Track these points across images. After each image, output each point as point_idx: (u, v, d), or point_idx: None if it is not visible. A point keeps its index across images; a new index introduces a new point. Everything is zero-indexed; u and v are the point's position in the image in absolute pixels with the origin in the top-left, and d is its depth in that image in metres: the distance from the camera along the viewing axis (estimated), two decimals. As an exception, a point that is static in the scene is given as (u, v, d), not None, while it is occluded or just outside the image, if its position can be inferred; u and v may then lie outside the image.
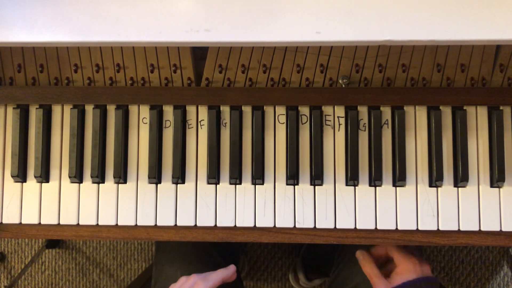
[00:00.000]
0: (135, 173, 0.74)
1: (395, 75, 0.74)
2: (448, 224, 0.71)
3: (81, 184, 0.74)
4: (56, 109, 0.75)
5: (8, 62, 0.75)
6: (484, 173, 0.72)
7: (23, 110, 0.74)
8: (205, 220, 0.73)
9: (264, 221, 0.72)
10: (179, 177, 0.72)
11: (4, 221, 0.74)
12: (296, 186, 0.72)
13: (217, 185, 0.73)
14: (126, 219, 0.73)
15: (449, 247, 1.45)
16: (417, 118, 0.73)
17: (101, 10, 0.58)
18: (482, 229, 0.71)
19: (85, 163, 0.74)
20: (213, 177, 0.72)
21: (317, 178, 0.71)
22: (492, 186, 0.71)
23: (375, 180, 0.71)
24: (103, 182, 0.74)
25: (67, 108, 0.74)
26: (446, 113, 0.72)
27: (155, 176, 0.72)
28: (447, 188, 0.72)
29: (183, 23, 0.58)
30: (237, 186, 0.73)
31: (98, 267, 1.51)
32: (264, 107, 0.74)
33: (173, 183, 0.73)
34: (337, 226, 0.72)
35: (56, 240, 1.48)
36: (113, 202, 0.73)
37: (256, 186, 0.73)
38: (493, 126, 0.71)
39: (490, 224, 0.71)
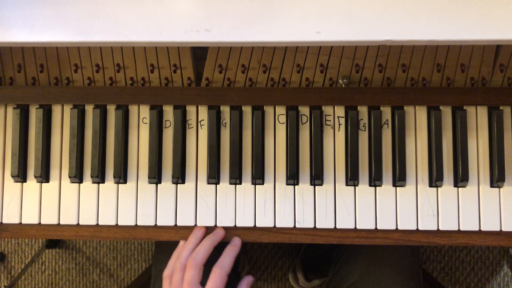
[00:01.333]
0: (135, 173, 0.74)
1: (395, 75, 0.74)
2: (448, 224, 0.71)
3: (81, 184, 0.74)
4: (56, 109, 0.75)
5: (8, 62, 0.75)
6: (484, 173, 0.72)
7: (23, 110, 0.74)
8: (205, 220, 0.73)
9: (264, 221, 0.72)
10: (179, 177, 0.72)
11: (4, 221, 0.74)
12: (296, 186, 0.72)
13: (217, 185, 0.73)
14: (126, 219, 0.73)
15: (449, 247, 1.45)
16: (417, 118, 0.73)
17: (101, 10, 0.58)
18: (482, 229, 0.71)
19: (85, 163, 0.74)
20: (213, 177, 0.72)
21: (317, 178, 0.71)
22: (492, 186, 0.71)
23: (375, 180, 0.71)
24: (103, 182, 0.74)
25: (67, 108, 0.74)
26: (446, 113, 0.72)
27: (155, 176, 0.72)
28: (447, 188, 0.72)
29: (183, 23, 0.58)
30: (237, 186, 0.73)
31: (98, 267, 1.51)
32: (264, 107, 0.74)
33: (173, 183, 0.73)
34: (337, 226, 0.72)
35: (56, 240, 1.48)
36: (113, 202, 0.73)
37: (256, 186, 0.73)
38: (493, 126, 0.71)
39: (490, 224, 0.71)
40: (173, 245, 0.87)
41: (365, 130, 0.73)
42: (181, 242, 0.74)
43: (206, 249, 0.70)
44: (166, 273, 0.72)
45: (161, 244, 0.90)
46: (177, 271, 0.69)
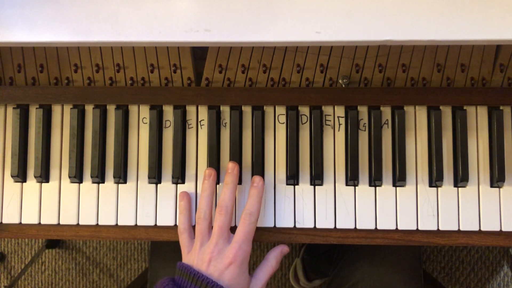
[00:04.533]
0: (135, 173, 0.74)
1: (395, 75, 0.74)
2: (448, 224, 0.71)
3: (81, 184, 0.74)
4: (56, 109, 0.75)
5: (8, 62, 0.75)
6: (484, 173, 0.72)
7: (23, 110, 0.74)
8: (205, 220, 0.73)
9: (264, 221, 0.72)
10: (179, 177, 0.72)
11: (4, 221, 0.74)
12: (296, 186, 0.72)
13: (217, 185, 0.73)
14: (126, 219, 0.73)
15: (449, 247, 1.45)
16: (417, 118, 0.73)
17: (101, 10, 0.58)
18: (482, 229, 0.71)
19: (85, 163, 0.74)
20: (213, 177, 0.72)
21: (317, 178, 0.71)
22: (492, 186, 0.71)
23: (375, 180, 0.71)
24: (103, 182, 0.74)
25: (67, 108, 0.74)
26: (446, 113, 0.73)
27: (155, 176, 0.72)
28: (447, 188, 0.72)
29: (183, 23, 0.58)
30: (237, 186, 0.73)
31: (98, 267, 1.51)
32: (264, 107, 0.74)
33: (173, 183, 0.73)
34: (337, 226, 0.72)
35: (56, 240, 1.49)
36: (113, 202, 0.73)
37: (256, 186, 0.72)
38: (493, 126, 0.71)
39: (490, 224, 0.71)
40: (169, 250, 0.87)
41: (365, 130, 0.73)
42: (183, 194, 0.72)
43: (231, 192, 0.68)
44: (182, 227, 0.70)
45: (156, 248, 0.90)
46: (202, 221, 0.68)
